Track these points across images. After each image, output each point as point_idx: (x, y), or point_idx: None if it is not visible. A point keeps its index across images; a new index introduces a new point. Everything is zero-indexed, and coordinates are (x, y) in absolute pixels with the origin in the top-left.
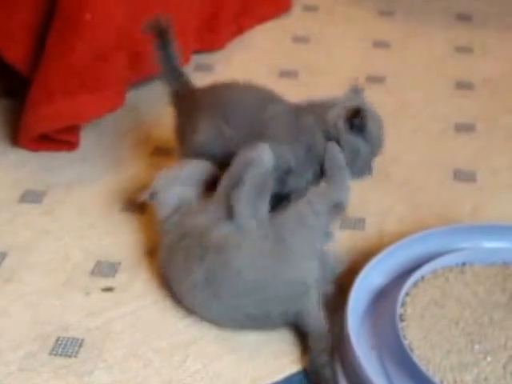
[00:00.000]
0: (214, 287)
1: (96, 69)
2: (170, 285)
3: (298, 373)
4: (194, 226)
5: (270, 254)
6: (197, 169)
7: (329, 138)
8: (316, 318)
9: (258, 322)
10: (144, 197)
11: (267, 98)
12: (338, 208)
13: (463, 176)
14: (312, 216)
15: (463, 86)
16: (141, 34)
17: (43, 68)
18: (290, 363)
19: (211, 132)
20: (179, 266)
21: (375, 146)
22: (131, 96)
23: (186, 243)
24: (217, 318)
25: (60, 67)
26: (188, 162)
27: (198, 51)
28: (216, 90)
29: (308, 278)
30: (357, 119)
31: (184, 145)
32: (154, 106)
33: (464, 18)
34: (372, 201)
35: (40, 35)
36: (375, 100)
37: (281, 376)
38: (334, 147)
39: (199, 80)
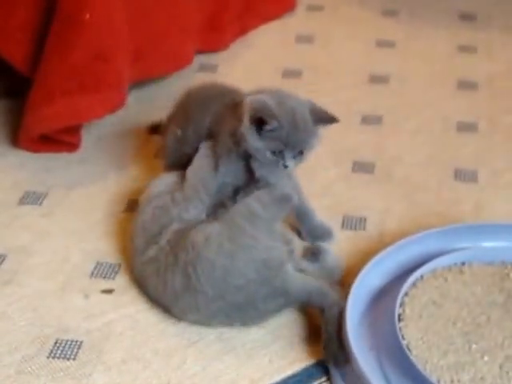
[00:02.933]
0: (193, 284)
1: (96, 69)
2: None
3: (296, 374)
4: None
5: (230, 241)
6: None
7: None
8: (304, 284)
9: (246, 311)
10: None
11: (216, 100)
12: (284, 200)
13: (464, 176)
14: (260, 207)
15: (466, 85)
16: (142, 34)
17: (43, 68)
18: (288, 365)
19: (171, 134)
20: (153, 281)
21: (285, 138)
22: (133, 96)
23: (153, 253)
24: (206, 316)
25: (59, 67)
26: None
27: (201, 51)
28: (184, 94)
29: (274, 255)
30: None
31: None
32: (155, 106)
33: (468, 17)
34: (373, 200)
35: (40, 35)
36: (378, 99)
37: (279, 377)
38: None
39: (202, 80)
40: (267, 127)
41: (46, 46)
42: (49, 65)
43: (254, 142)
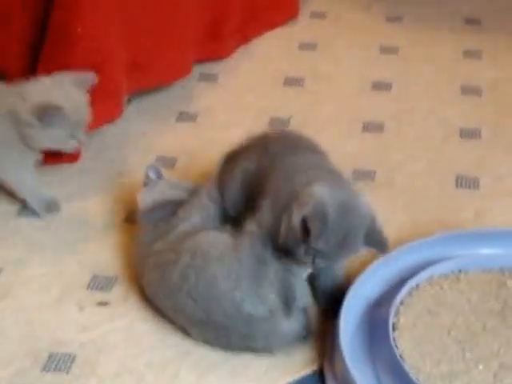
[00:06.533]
0: (187, 288)
1: None
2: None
3: None
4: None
5: (239, 272)
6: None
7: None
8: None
9: (222, 337)
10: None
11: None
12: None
13: (466, 183)
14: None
15: (470, 91)
16: (140, 45)
17: None
18: (283, 375)
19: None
20: (152, 274)
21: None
22: (133, 106)
23: (157, 248)
24: (189, 323)
25: None
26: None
27: (202, 61)
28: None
29: (260, 313)
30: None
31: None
32: (155, 116)
33: (473, 22)
34: (375, 207)
35: (34, 48)
36: (380, 106)
37: None
38: None
39: (203, 90)
40: (311, 242)
41: (40, 59)
42: None
43: (292, 242)
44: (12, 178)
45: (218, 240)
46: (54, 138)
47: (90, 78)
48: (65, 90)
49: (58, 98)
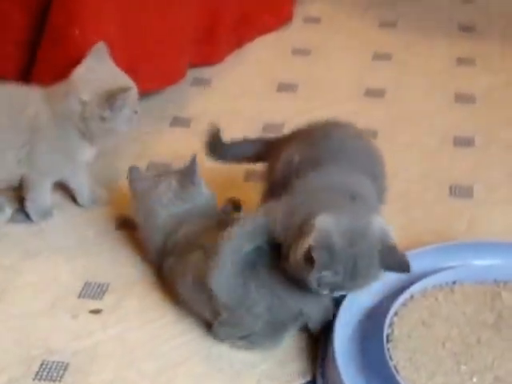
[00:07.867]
0: None
1: None
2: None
3: None
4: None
5: None
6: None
7: None
8: None
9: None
10: None
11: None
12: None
13: (460, 191)
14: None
15: (464, 98)
16: (135, 49)
17: (35, 83)
18: None
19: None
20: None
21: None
22: None
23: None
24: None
25: (51, 82)
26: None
27: (196, 65)
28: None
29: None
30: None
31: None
32: (148, 121)
33: (467, 29)
34: None
35: (31, 50)
36: (373, 113)
37: None
38: None
39: (196, 95)
40: (315, 272)
41: (37, 62)
42: (40, 80)
43: (303, 273)
44: (35, 177)
45: None
46: (125, 118)
47: (101, 46)
48: (106, 68)
49: (112, 80)
